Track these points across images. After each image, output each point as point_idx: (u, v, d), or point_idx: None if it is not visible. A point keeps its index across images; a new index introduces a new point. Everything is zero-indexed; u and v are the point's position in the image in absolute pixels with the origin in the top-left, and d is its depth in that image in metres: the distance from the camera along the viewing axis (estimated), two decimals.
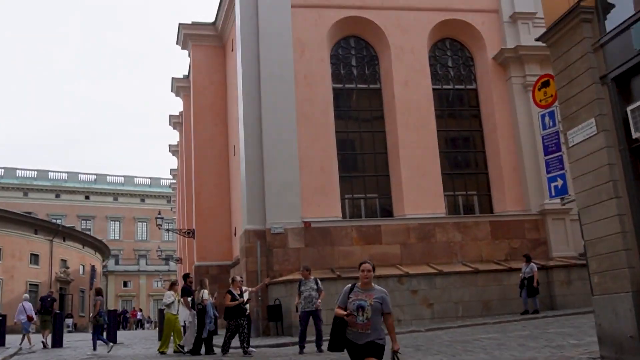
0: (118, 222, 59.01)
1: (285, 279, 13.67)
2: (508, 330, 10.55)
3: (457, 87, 16.98)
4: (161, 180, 61.32)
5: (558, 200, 8.64)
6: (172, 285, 11.77)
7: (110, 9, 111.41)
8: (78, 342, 17.12)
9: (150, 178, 62.60)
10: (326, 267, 14.07)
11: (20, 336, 15.59)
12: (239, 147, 16.16)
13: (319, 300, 9.73)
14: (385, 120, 16.15)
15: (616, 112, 6.22)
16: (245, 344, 9.76)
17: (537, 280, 13.16)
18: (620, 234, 6.01)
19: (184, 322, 11.33)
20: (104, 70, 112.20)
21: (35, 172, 57.16)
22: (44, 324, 15.71)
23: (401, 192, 15.29)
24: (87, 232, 48.07)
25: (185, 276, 11.91)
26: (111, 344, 12.84)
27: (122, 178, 61.11)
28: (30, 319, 15.17)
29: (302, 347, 9.63)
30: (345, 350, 4.47)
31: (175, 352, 11.23)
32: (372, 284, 4.56)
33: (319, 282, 10.06)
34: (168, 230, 34.46)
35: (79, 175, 58.97)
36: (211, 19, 21.20)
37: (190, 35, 21.40)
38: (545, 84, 7.84)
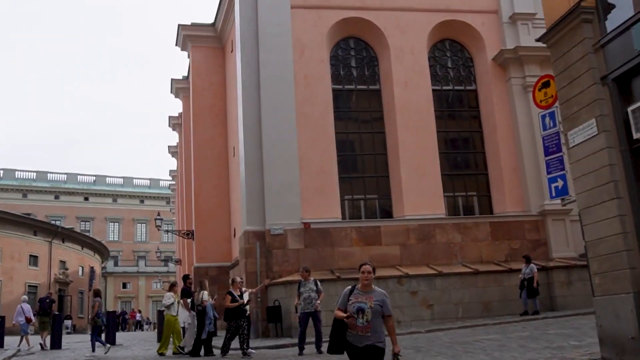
0: (117, 224, 58.94)
1: (284, 280, 13.64)
2: (508, 331, 10.52)
3: (456, 88, 16.98)
4: (160, 182, 61.26)
5: (558, 201, 8.63)
6: (172, 287, 11.74)
7: (110, 9, 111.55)
8: (77, 344, 17.07)
9: (150, 179, 62.55)
10: (326, 268, 14.04)
11: (19, 338, 15.54)
12: (239, 148, 16.14)
13: (318, 301, 9.70)
14: (385, 121, 16.14)
15: (617, 112, 6.21)
16: (244, 346, 9.73)
17: (537, 281, 13.14)
18: (621, 235, 6.00)
19: (183, 323, 11.30)
20: (104, 71, 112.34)
21: (35, 174, 57.10)
22: (42, 326, 15.67)
23: (401, 193, 15.27)
24: (86, 234, 48.02)
25: (185, 277, 11.88)
26: (108, 345, 12.81)
27: (122, 179, 61.06)
28: (28, 320, 15.12)
29: (301, 349, 9.59)
30: (345, 352, 4.44)
31: (174, 353, 11.19)
32: (373, 286, 4.53)
33: (319, 283, 10.04)
34: (167, 231, 34.42)
35: (78, 176, 58.92)
36: (211, 20, 21.20)
37: (189, 37, 21.39)
38: (546, 85, 7.83)
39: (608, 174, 6.13)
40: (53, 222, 44.48)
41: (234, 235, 18.41)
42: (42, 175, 57.19)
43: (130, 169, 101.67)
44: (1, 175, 54.94)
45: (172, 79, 25.82)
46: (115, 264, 55.81)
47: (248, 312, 10.06)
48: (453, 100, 16.93)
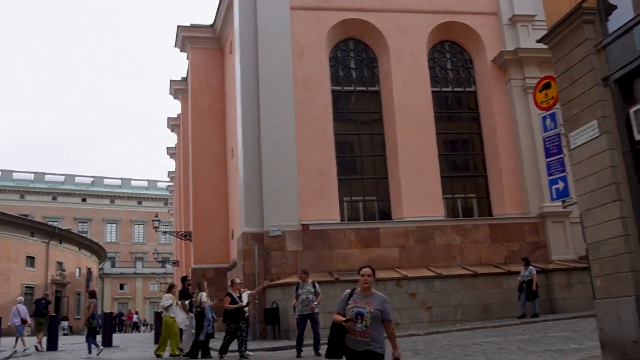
0: (115, 225, 58.80)
1: (282, 282, 13.56)
2: (508, 334, 10.46)
3: (456, 89, 16.95)
4: (158, 183, 61.16)
5: (558, 203, 8.58)
6: (170, 288, 11.66)
7: (111, 9, 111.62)
8: (73, 345, 16.95)
9: (148, 180, 62.48)
10: (324, 270, 13.97)
11: (15, 339, 15.44)
12: (237, 150, 16.07)
13: (315, 302, 9.61)
14: (384, 122, 16.09)
15: (619, 114, 6.17)
16: (242, 348, 9.66)
17: (535, 283, 13.08)
18: (623, 237, 5.95)
19: (181, 325, 11.21)
20: (104, 71, 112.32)
21: (32, 175, 56.98)
22: (38, 327, 15.57)
23: (400, 194, 15.22)
24: (84, 235, 47.88)
25: (184, 279, 11.80)
26: (101, 347, 12.72)
27: (119, 180, 60.95)
28: (24, 321, 15.02)
29: (299, 351, 9.53)
30: (343, 357, 4.37)
31: (171, 355, 11.10)
32: (372, 290, 4.46)
33: (317, 285, 9.96)
34: (165, 232, 34.27)
35: (76, 177, 58.81)
36: (210, 22, 21.15)
37: (188, 38, 21.34)
38: (547, 86, 7.79)
39: (610, 176, 6.09)
40: (50, 223, 44.34)
41: (232, 237, 18.34)
42: (39, 176, 57.06)
43: (129, 169, 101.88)
44: None
45: (170, 80, 25.76)
46: (113, 265, 55.66)
47: (247, 314, 9.99)
48: (452, 101, 16.90)
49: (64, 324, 31.93)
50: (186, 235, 21.48)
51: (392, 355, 4.33)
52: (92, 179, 59.60)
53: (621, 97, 6.17)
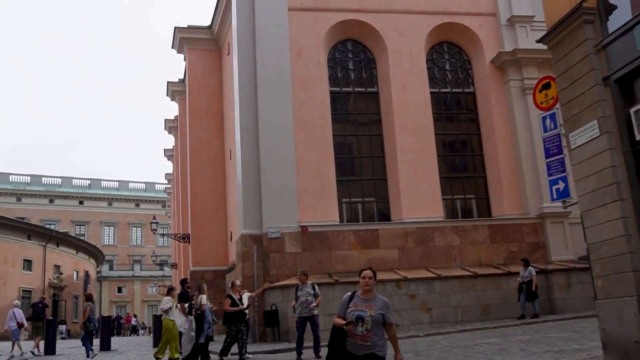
0: (112, 227, 58.60)
1: (282, 284, 13.51)
2: (508, 335, 10.44)
3: (454, 90, 16.94)
4: (156, 185, 61.00)
5: (558, 204, 8.57)
6: (170, 291, 11.56)
7: (111, 10, 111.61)
8: (71, 349, 16.85)
9: (145, 183, 62.29)
10: (323, 271, 13.93)
11: (10, 343, 15.33)
12: (235, 151, 16.02)
13: (314, 304, 9.55)
14: (383, 123, 16.07)
15: (619, 114, 6.15)
16: (243, 351, 9.61)
17: (535, 284, 13.07)
18: (624, 237, 5.93)
19: (180, 327, 11.13)
20: (104, 71, 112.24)
21: (29, 177, 56.76)
22: (35, 331, 15.47)
23: (399, 196, 15.20)
24: (81, 238, 47.68)
25: (183, 281, 11.71)
26: (96, 353, 12.65)
27: (117, 183, 60.75)
28: (20, 325, 14.91)
29: (299, 354, 9.48)
30: None
31: (170, 358, 11.02)
32: (374, 292, 4.41)
33: (316, 287, 9.92)
34: (163, 235, 34.18)
35: (73, 180, 58.59)
36: (208, 23, 21.10)
37: (185, 39, 21.29)
38: (546, 86, 7.78)
39: (610, 176, 6.07)
40: (47, 226, 44.15)
41: (231, 239, 18.27)
42: (36, 178, 56.84)
43: (128, 169, 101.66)
44: None
45: (168, 82, 25.68)
46: (111, 268, 55.46)
47: (248, 316, 9.94)
48: (451, 102, 16.90)
49: (62, 327, 31.76)
50: (184, 238, 21.41)
51: (394, 359, 4.27)
52: (90, 181, 59.39)
53: (621, 97, 6.15)
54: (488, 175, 16.31)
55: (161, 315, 11.50)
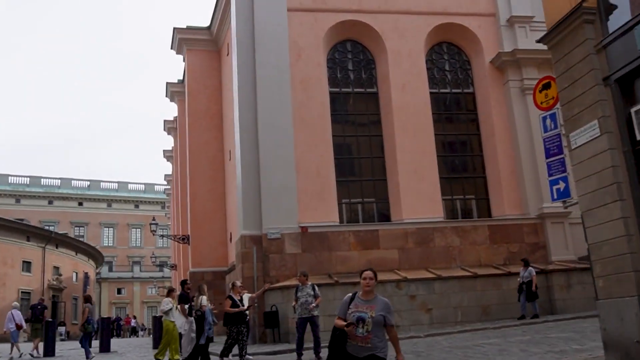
0: (112, 229, 58.53)
1: (282, 285, 13.49)
2: (509, 335, 10.42)
3: (454, 90, 16.95)
4: (155, 186, 60.94)
5: (557, 204, 8.57)
6: (170, 292, 11.53)
7: (111, 10, 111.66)
8: (70, 351, 16.81)
9: (144, 184, 62.24)
10: (323, 272, 13.91)
11: (9, 345, 15.29)
12: (235, 152, 16.01)
13: (313, 304, 9.52)
14: (382, 124, 16.07)
15: (619, 113, 6.14)
16: (243, 352, 9.59)
17: (535, 284, 13.05)
18: (625, 237, 5.92)
19: (180, 329, 11.10)
20: (104, 71, 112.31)
21: (28, 179, 56.69)
22: (34, 333, 15.42)
23: (399, 196, 15.19)
24: (81, 239, 47.60)
25: (183, 283, 11.69)
26: (93, 355, 12.62)
27: (116, 184, 60.70)
28: (19, 327, 14.87)
29: (300, 355, 9.46)
30: None
31: None
32: (375, 293, 4.39)
33: (316, 288, 9.89)
34: (162, 236, 34.14)
35: (72, 181, 58.52)
36: (207, 24, 21.08)
37: (185, 40, 21.27)
38: (546, 86, 7.77)
39: (611, 176, 6.06)
40: (47, 227, 44.08)
41: (230, 240, 18.25)
42: (35, 180, 56.77)
43: (128, 170, 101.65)
44: None
45: (167, 83, 25.64)
46: (110, 270, 55.39)
47: (248, 317, 9.92)
48: (451, 103, 16.90)
49: (61, 329, 31.71)
50: (184, 239, 21.38)
51: None
52: (89, 182, 59.33)
53: (622, 97, 6.14)
54: (488, 176, 16.30)
55: (161, 316, 11.47)
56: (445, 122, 16.68)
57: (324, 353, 6.80)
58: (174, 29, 21.25)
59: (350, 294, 4.46)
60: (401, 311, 12.97)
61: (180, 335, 10.99)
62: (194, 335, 10.35)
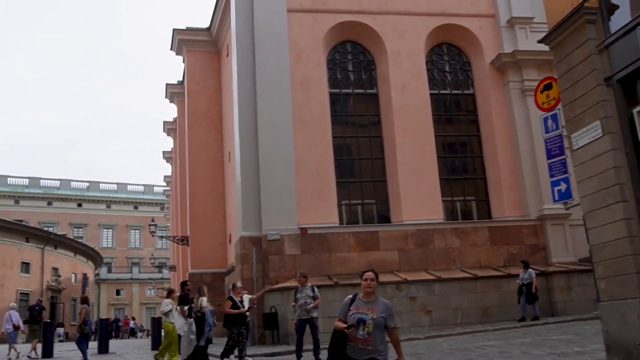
0: (111, 230, 58.45)
1: (281, 286, 13.44)
2: (509, 337, 10.37)
3: (454, 92, 16.92)
4: (154, 188, 60.89)
5: (558, 205, 8.54)
6: (170, 293, 11.47)
7: (111, 10, 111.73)
8: (69, 352, 16.73)
9: (144, 185, 62.20)
10: (323, 274, 13.87)
11: (7, 346, 15.22)
12: (234, 153, 15.97)
13: (311, 305, 9.46)
14: (382, 125, 16.04)
15: (622, 114, 6.10)
16: (242, 354, 9.54)
17: (535, 286, 13.01)
18: (627, 239, 5.88)
19: (179, 330, 11.04)
20: (104, 71, 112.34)
21: (27, 180, 56.62)
22: (32, 334, 15.35)
23: (399, 197, 15.15)
24: (79, 240, 47.49)
25: (183, 284, 11.63)
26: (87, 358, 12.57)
27: (115, 185, 60.65)
28: (16, 328, 14.80)
29: (299, 356, 9.40)
30: None
31: None
32: (376, 295, 4.33)
33: (316, 289, 9.84)
34: (161, 237, 34.14)
35: (71, 182, 58.46)
36: (207, 24, 21.06)
37: (184, 41, 21.25)
38: (548, 87, 7.74)
39: (613, 177, 6.02)
40: (46, 228, 43.98)
41: (230, 241, 18.19)
42: (34, 181, 56.71)
43: (128, 170, 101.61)
44: None
45: (166, 84, 25.62)
46: (109, 271, 55.29)
47: (249, 318, 9.88)
48: (451, 104, 16.88)
49: (60, 330, 31.59)
50: (183, 240, 21.32)
51: None
52: (88, 183, 59.26)
53: (624, 98, 6.11)
54: (488, 177, 16.27)
55: (161, 317, 11.41)
56: (446, 123, 16.65)
57: (324, 355, 6.74)
58: (174, 30, 21.24)
59: (351, 296, 4.41)
60: (401, 313, 12.92)
61: (180, 336, 10.93)
62: (193, 337, 10.30)
